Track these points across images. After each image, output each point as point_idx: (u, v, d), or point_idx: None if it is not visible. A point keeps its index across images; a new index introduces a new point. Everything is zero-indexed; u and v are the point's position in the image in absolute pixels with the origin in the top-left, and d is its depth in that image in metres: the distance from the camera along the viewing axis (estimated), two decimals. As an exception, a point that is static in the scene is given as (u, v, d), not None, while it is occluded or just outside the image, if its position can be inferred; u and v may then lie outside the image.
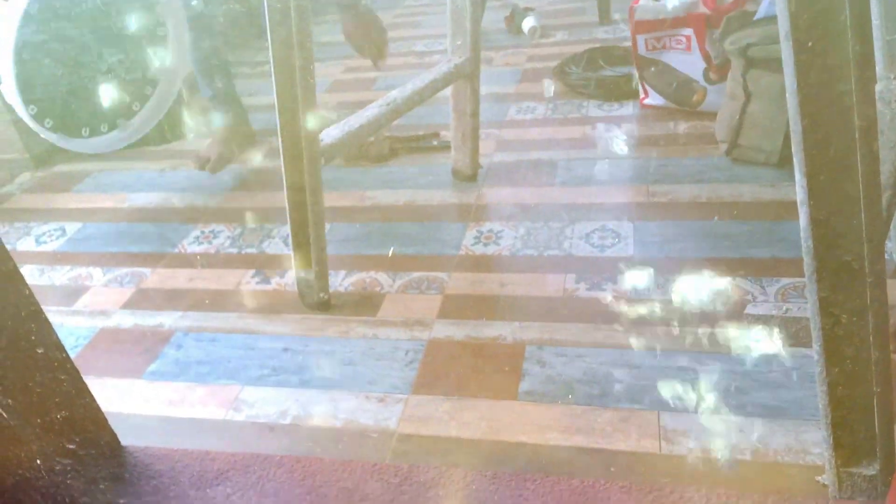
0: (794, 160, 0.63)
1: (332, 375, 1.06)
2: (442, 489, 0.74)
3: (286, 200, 1.08)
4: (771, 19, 1.31)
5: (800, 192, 0.63)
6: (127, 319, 1.25)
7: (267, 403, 1.02)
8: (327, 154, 1.05)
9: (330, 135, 1.06)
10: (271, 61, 0.97)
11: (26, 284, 0.72)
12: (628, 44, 1.85)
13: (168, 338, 1.19)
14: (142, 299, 1.30)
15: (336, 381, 1.05)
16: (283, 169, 1.05)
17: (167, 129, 1.95)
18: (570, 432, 0.90)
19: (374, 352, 1.09)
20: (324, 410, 0.99)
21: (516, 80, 2.05)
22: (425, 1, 3.06)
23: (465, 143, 1.44)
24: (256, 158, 1.78)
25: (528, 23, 2.36)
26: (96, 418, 0.85)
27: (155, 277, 1.36)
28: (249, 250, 1.41)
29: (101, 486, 0.78)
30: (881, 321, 0.65)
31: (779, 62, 1.32)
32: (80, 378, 0.82)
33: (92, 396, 0.87)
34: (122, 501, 0.74)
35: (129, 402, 1.06)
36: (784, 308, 1.02)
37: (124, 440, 0.89)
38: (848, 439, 0.72)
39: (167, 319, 1.23)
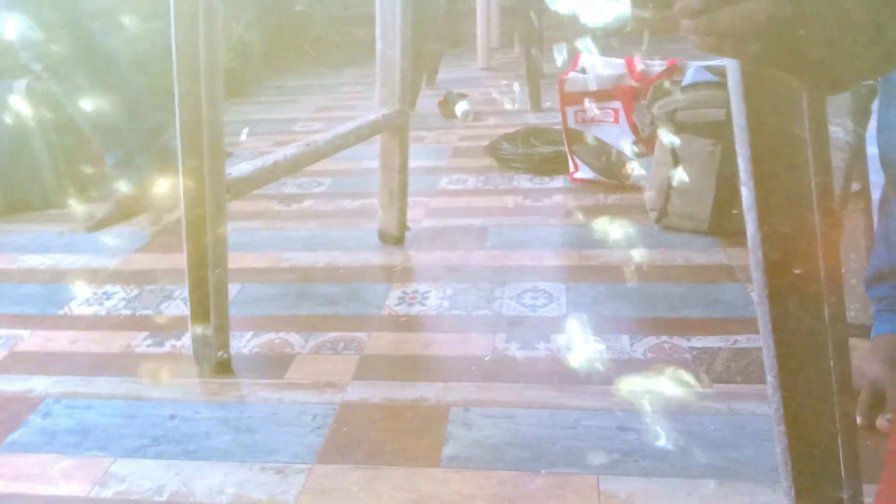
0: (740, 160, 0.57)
1: (224, 445, 0.90)
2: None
3: (184, 240, 0.96)
4: (697, 85, 1.33)
5: (746, 200, 0.57)
6: (-12, 385, 1.06)
7: (142, 478, 0.85)
8: (234, 189, 0.95)
9: (240, 169, 0.97)
10: (175, 78, 0.89)
11: None
12: (559, 126, 1.86)
13: (36, 405, 1.01)
14: (13, 363, 1.12)
15: (228, 451, 0.89)
16: (182, 204, 0.94)
17: (73, 191, 1.82)
18: (498, 500, 0.77)
19: (276, 417, 0.95)
20: (209, 485, 0.83)
21: (448, 156, 2.03)
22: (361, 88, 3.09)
23: (393, 202, 1.37)
24: (169, 218, 1.66)
25: (461, 107, 2.39)
26: None
27: (33, 340, 1.19)
28: (145, 312, 1.26)
29: None
30: (842, 366, 0.58)
31: (705, 127, 1.33)
32: None
33: None
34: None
35: (-31, 477, 0.87)
36: (732, 340, 0.93)
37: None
38: (811, 495, 0.63)
39: (38, 384, 1.06)
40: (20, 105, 1.72)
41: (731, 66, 0.55)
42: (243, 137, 2.33)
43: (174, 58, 0.87)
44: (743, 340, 1.03)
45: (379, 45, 1.22)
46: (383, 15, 1.20)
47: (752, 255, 0.57)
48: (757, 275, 0.57)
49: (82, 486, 0.85)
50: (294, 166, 1.05)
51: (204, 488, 0.83)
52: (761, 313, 0.58)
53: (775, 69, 0.43)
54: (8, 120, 1.72)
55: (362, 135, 1.19)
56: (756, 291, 0.57)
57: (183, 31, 0.84)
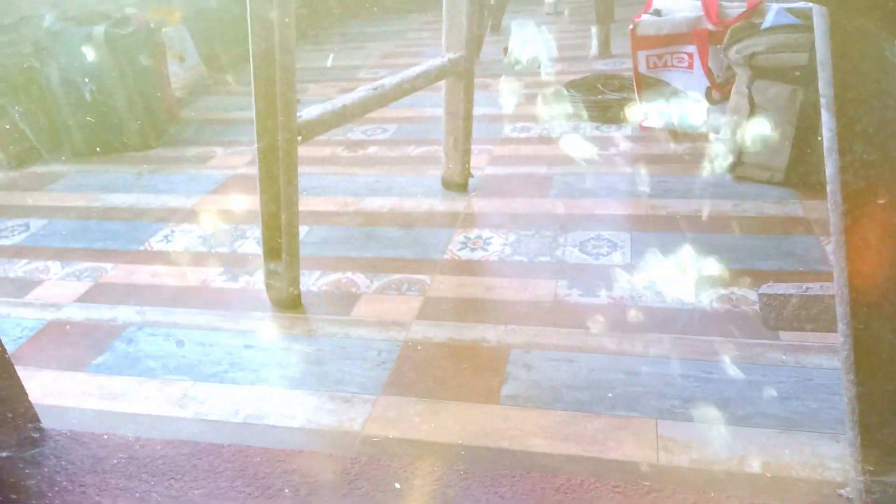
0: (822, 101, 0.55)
1: (295, 374, 0.95)
2: (404, 484, 0.63)
3: (258, 182, 0.99)
4: (778, 28, 1.27)
5: (827, 132, 0.55)
6: (78, 313, 1.14)
7: (218, 400, 0.91)
8: (305, 131, 0.97)
9: (310, 112, 0.99)
10: (249, 24, 0.91)
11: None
12: (628, 73, 1.81)
13: (119, 332, 1.08)
14: (98, 294, 1.20)
15: (299, 380, 0.94)
16: (256, 149, 0.97)
17: (150, 135, 1.89)
18: (558, 439, 0.79)
19: (343, 351, 0.99)
20: (281, 410, 0.88)
21: (513, 102, 2.00)
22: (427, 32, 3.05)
23: (457, 148, 1.37)
24: (241, 163, 1.71)
25: (528, 52, 2.34)
26: (17, 398, 0.75)
27: (116, 273, 1.26)
28: (220, 249, 1.31)
29: (12, 465, 0.67)
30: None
31: (786, 71, 1.26)
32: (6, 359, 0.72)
33: (16, 377, 0.76)
34: (31, 482, 0.62)
35: (66, 393, 0.94)
36: (804, 287, 0.91)
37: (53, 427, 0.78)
38: (878, 443, 0.62)
39: (122, 314, 1.13)
40: (99, 50, 1.79)
41: (816, 9, 0.52)
42: (328, 63, 2.33)
43: (248, 7, 0.88)
44: (815, 288, 1.00)
45: (446, -12, 1.21)
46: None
47: (830, 188, 0.55)
48: (834, 209, 0.55)
49: (163, 405, 0.91)
50: (362, 109, 1.07)
51: (276, 412, 0.88)
52: (837, 250, 0.56)
53: (859, 14, 0.41)
54: (89, 64, 1.79)
55: (429, 79, 1.19)
56: (833, 227, 0.56)
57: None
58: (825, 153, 0.53)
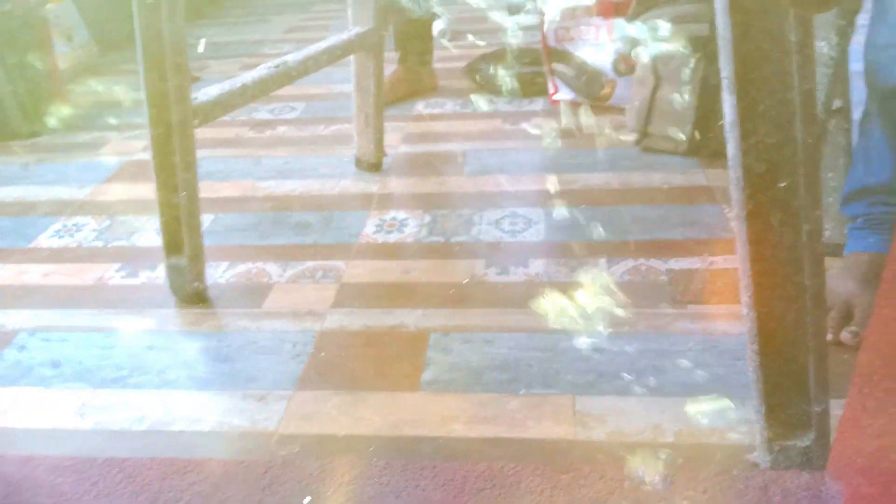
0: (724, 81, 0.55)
1: (204, 374, 0.90)
2: (322, 485, 0.61)
3: (153, 170, 0.93)
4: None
5: (728, 113, 0.55)
6: (-41, 320, 1.05)
7: (121, 408, 0.85)
8: (201, 114, 0.91)
9: (206, 93, 0.93)
10: (134, 6, 0.84)
11: None
12: (537, 47, 1.81)
13: (10, 339, 1.00)
14: (-17, 298, 1.10)
15: (208, 380, 0.89)
16: (150, 133, 0.90)
17: (36, 121, 1.75)
18: (477, 422, 0.79)
19: (255, 346, 0.95)
20: (189, 414, 0.84)
21: (425, 78, 1.96)
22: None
23: (369, 126, 1.33)
24: (138, 148, 1.61)
25: (436, 26, 2.30)
26: None
27: (3, 273, 1.16)
28: (118, 243, 1.23)
29: None
30: (817, 283, 0.58)
31: (689, 43, 1.29)
32: None
33: None
34: None
35: (-54, 411, 0.86)
36: (708, 261, 0.94)
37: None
38: (781, 410, 0.64)
39: (11, 319, 1.04)
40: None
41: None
42: (200, 49, 2.23)
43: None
44: (720, 261, 1.04)
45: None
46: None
47: (731, 171, 0.55)
48: (736, 191, 0.56)
49: (59, 418, 0.85)
50: (263, 89, 1.01)
51: (184, 417, 0.83)
52: (739, 231, 0.57)
53: None
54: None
55: (335, 55, 1.14)
56: (735, 208, 0.57)
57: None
58: (726, 133, 0.54)
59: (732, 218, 0.58)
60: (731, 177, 0.56)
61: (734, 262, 0.61)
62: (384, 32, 1.28)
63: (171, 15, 0.84)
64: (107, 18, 2.42)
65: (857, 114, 0.99)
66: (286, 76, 1.05)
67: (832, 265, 0.91)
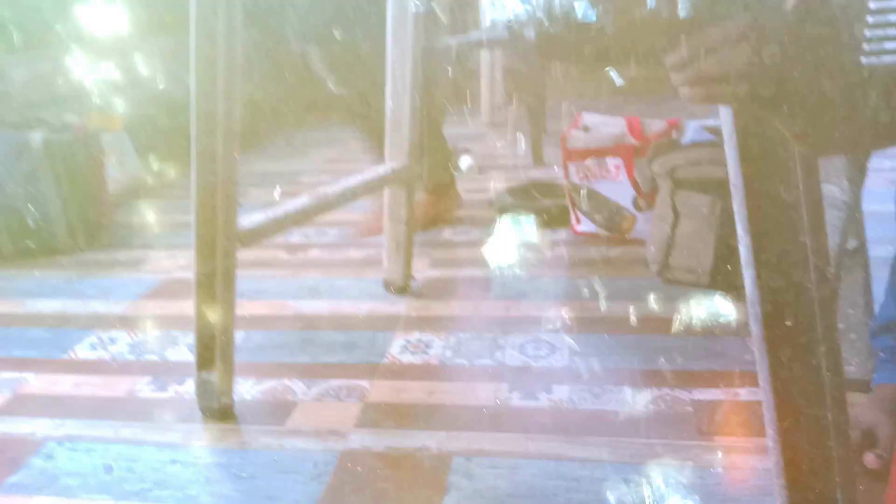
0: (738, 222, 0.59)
1: (225, 491, 0.90)
2: None
3: (194, 287, 0.98)
4: (696, 145, 1.37)
5: (743, 253, 0.59)
6: (-9, 427, 1.07)
7: (141, 522, 0.85)
8: (245, 239, 0.97)
9: (251, 219, 1.00)
10: (193, 134, 0.92)
11: None
12: (561, 181, 1.91)
13: (37, 448, 1.01)
14: (17, 406, 1.13)
15: (229, 497, 0.89)
16: (195, 252, 0.96)
17: (82, 239, 1.85)
18: (501, 552, 0.77)
19: (277, 464, 0.95)
20: (210, 530, 0.83)
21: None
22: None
23: (399, 251, 1.39)
24: (173, 267, 1.68)
25: (464, 161, 2.44)
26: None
27: (37, 383, 1.19)
28: (150, 357, 1.26)
29: None
30: (841, 416, 0.59)
31: (705, 184, 1.36)
32: None
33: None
34: None
35: (-33, 520, 0.86)
36: (733, 392, 0.94)
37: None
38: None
39: (41, 427, 1.06)
40: (36, 157, 1.76)
41: (726, 129, 0.58)
42: (276, 195, 2.34)
43: (192, 114, 0.90)
44: (744, 393, 1.04)
45: (388, 102, 1.27)
46: (394, 75, 1.25)
47: (750, 308, 0.58)
48: (756, 328, 0.59)
49: (81, 530, 0.84)
50: (304, 217, 1.08)
51: (203, 535, 0.82)
52: (760, 366, 0.59)
53: (763, 111, 0.45)
54: (23, 169, 1.76)
55: (371, 187, 1.22)
56: (755, 344, 0.59)
57: (203, 88, 0.88)
58: (743, 271, 0.58)
59: (754, 351, 0.60)
60: (749, 312, 0.59)
61: (758, 394, 0.62)
62: (417, 167, 1.37)
63: (226, 148, 0.92)
64: (156, 148, 2.60)
65: (875, 252, 1.02)
66: (325, 205, 1.12)
67: (860, 399, 0.90)
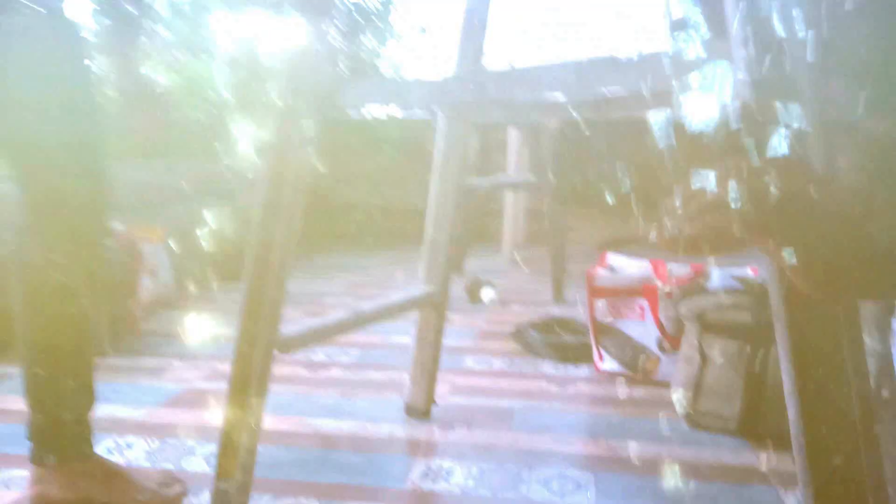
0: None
1: None
2: None
3: (228, 390, 0.98)
4: (723, 289, 1.40)
5: (787, 382, 0.60)
6: (-5, 526, 1.03)
7: None
8: (284, 346, 0.99)
9: (292, 327, 1.02)
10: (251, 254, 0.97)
11: None
12: (583, 319, 1.93)
13: (39, 553, 0.97)
14: (22, 507, 1.09)
15: None
16: (235, 349, 0.98)
17: (107, 344, 1.86)
18: None
19: (290, 587, 0.90)
20: None
21: (474, 337, 2.07)
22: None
23: (424, 375, 1.39)
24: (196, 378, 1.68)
25: (487, 293, 2.48)
26: None
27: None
28: (165, 465, 1.24)
29: None
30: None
31: (733, 328, 1.37)
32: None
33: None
34: None
35: None
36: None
37: None
38: None
39: (45, 531, 1.02)
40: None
41: (769, 274, 0.61)
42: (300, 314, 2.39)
43: (258, 221, 0.96)
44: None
45: (429, 229, 1.34)
46: (437, 207, 1.33)
47: (794, 439, 0.59)
48: (799, 459, 0.59)
49: None
50: (340, 330, 1.11)
51: None
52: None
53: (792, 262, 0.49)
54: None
55: (405, 308, 1.25)
56: (800, 478, 0.59)
57: (269, 201, 0.95)
58: (787, 404, 0.59)
59: (798, 496, 0.59)
60: (794, 444, 0.60)
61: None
62: (448, 293, 1.41)
63: (277, 280, 0.96)
64: (189, 260, 2.68)
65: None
66: (362, 320, 1.15)
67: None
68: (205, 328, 2.14)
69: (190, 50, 3.83)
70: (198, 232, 2.70)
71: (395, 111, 1.05)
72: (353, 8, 3.98)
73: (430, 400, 1.43)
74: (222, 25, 3.93)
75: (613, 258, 1.79)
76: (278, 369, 1.74)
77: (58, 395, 1.08)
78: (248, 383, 0.96)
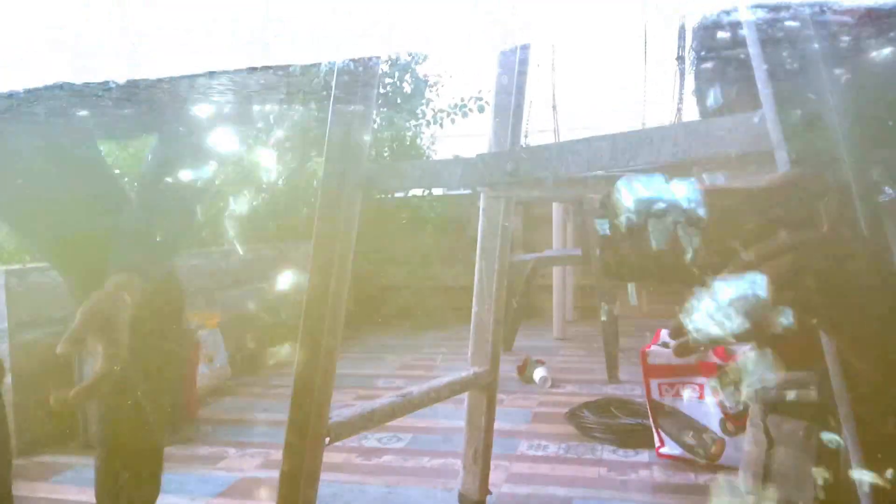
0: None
1: None
2: None
3: (279, 481, 0.98)
4: (783, 366, 1.35)
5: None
6: None
7: None
8: (334, 432, 0.99)
9: (341, 413, 1.02)
10: (301, 332, 0.99)
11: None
12: (640, 399, 1.87)
13: None
14: None
15: None
16: (285, 440, 0.98)
17: (163, 433, 1.89)
18: None
19: None
20: None
21: (527, 420, 2.02)
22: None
23: (476, 461, 1.36)
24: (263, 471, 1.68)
25: (539, 373, 2.44)
26: None
27: (102, 580, 1.16)
28: (219, 559, 1.23)
29: None
30: None
31: (798, 407, 1.31)
32: None
33: None
34: None
35: None
36: None
37: None
38: None
39: None
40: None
41: (828, 354, 0.59)
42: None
43: (304, 310, 0.98)
44: None
45: (475, 308, 1.33)
46: (481, 283, 1.33)
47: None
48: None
49: None
50: (390, 415, 1.10)
51: None
52: None
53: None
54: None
55: (454, 390, 1.24)
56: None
57: (316, 289, 0.97)
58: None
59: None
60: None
61: None
62: (497, 374, 1.39)
63: (328, 347, 0.98)
64: (245, 344, 2.74)
65: None
66: (410, 405, 1.14)
67: None
68: (258, 414, 2.15)
69: (241, 139, 4.03)
70: (251, 316, 2.77)
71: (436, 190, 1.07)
72: (390, 89, 4.12)
73: (485, 489, 1.39)
74: (270, 113, 4.13)
75: (667, 334, 1.74)
76: (330, 456, 1.73)
77: (126, 487, 1.10)
78: (297, 476, 0.96)
